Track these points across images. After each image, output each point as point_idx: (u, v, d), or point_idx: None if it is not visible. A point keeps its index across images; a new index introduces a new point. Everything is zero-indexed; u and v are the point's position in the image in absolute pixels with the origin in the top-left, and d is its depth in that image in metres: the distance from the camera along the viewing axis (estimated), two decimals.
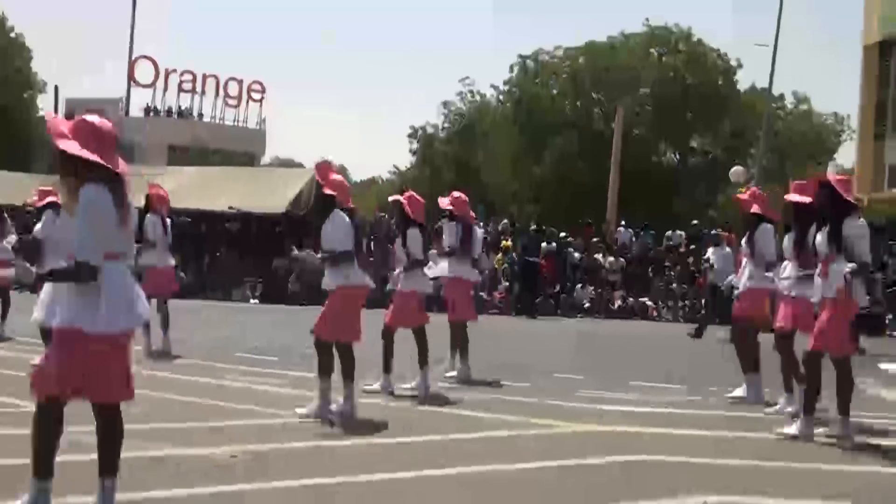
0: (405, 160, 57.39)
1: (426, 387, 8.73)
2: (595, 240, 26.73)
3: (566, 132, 42.07)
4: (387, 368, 8.75)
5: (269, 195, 25.36)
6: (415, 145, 50.07)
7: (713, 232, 17.88)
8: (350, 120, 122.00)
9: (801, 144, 44.27)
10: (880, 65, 35.28)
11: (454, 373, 9.93)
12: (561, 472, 5.95)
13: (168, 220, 11.49)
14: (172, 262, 11.51)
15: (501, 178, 44.07)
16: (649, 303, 24.49)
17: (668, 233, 27.89)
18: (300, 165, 52.35)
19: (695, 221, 30.13)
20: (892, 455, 6.87)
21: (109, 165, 4.42)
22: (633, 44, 44.15)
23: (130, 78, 47.72)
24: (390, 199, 10.36)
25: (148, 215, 11.37)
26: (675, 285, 24.79)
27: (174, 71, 47.04)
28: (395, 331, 8.88)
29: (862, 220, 6.76)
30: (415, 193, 9.32)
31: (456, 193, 10.46)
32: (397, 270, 9.10)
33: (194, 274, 25.70)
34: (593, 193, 36.03)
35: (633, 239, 27.38)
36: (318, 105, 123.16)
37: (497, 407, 8.18)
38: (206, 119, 48.70)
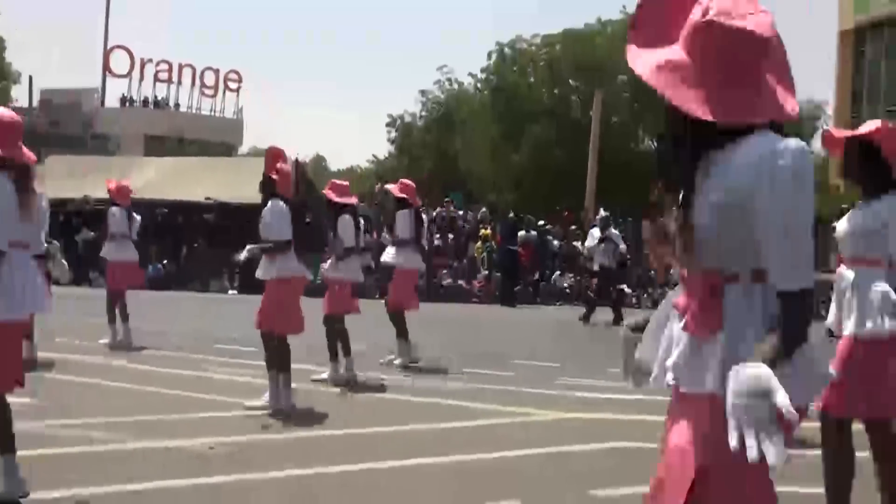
0: (384, 149, 57.34)
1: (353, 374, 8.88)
2: (573, 227, 26.79)
3: (544, 120, 42.08)
4: (343, 354, 8.90)
5: (247, 185, 25.06)
6: (393, 134, 49.99)
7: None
8: (328, 109, 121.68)
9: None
10: (855, 51, 35.51)
11: (397, 359, 10.00)
12: (542, 459, 5.98)
13: (133, 213, 11.32)
14: (135, 255, 11.30)
15: (480, 167, 44.06)
16: (627, 290, 24.59)
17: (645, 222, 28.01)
18: None
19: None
20: None
21: (10, 156, 4.41)
22: (611, 31, 44.21)
23: (105, 68, 47.39)
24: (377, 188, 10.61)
25: (111, 208, 11.29)
26: (652, 273, 24.92)
27: (150, 61, 46.82)
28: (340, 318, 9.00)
29: None
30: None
31: (404, 181, 10.68)
32: (329, 260, 9.13)
33: (172, 265, 25.60)
34: (572, 181, 36.06)
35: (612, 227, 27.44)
36: (294, 94, 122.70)
37: (477, 395, 8.20)
38: (183, 109, 48.50)
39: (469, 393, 8.35)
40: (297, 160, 30.96)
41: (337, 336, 8.91)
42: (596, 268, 17.21)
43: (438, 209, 27.63)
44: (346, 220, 8.99)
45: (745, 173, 2.16)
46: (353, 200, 9.23)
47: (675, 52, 2.23)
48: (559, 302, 23.73)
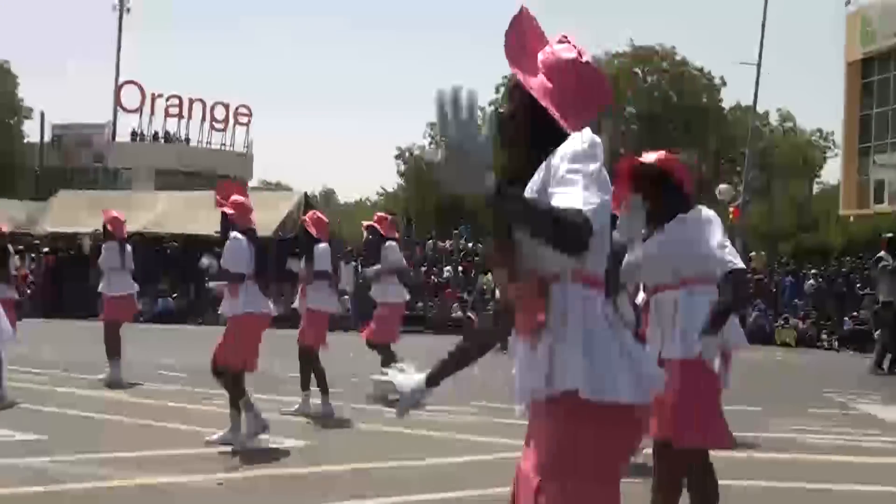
0: (393, 181, 57.41)
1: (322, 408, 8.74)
2: None
3: None
4: (318, 385, 8.82)
5: (257, 219, 25.27)
6: (402, 166, 50.09)
7: None
8: (337, 142, 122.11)
9: (786, 162, 44.48)
10: (862, 82, 35.54)
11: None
12: None
13: (127, 246, 11.25)
14: (131, 288, 11.19)
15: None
16: None
17: None
18: (287, 188, 52.35)
19: None
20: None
21: None
22: (618, 63, 44.38)
23: (117, 103, 47.70)
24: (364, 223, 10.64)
25: (105, 243, 11.20)
26: None
27: (160, 95, 47.08)
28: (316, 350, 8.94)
29: None
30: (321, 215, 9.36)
31: (381, 214, 10.89)
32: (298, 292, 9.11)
33: (183, 299, 25.60)
34: None
35: None
36: (304, 128, 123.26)
37: (485, 430, 8.10)
38: (193, 143, 48.71)
39: (478, 427, 8.25)
40: (305, 194, 31.08)
41: (311, 367, 8.83)
42: None
43: (447, 242, 27.63)
44: (322, 249, 8.95)
45: (541, 171, 2.31)
46: (328, 237, 9.18)
47: (543, 77, 2.41)
48: None
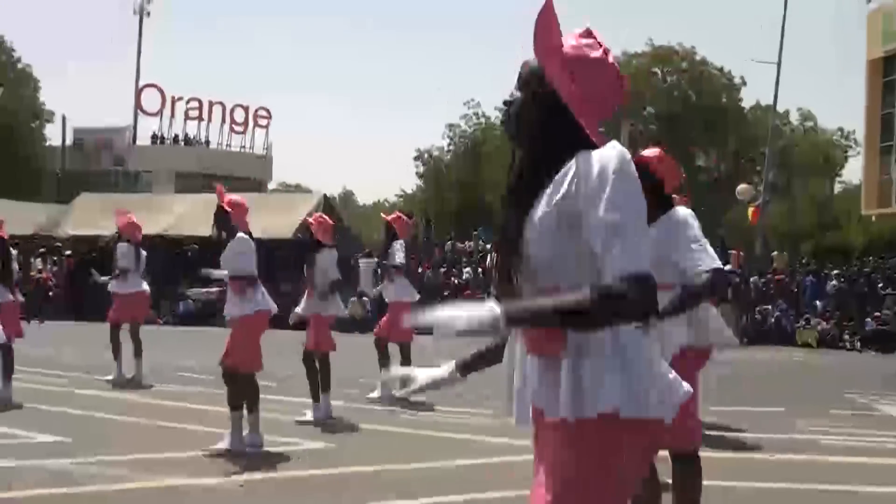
0: (411, 183, 57.48)
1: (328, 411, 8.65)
2: None
3: None
4: (322, 390, 8.69)
5: (277, 221, 25.37)
6: (421, 168, 50.13)
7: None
8: (356, 144, 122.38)
9: (807, 161, 44.22)
10: (884, 80, 35.26)
11: (376, 393, 9.88)
12: None
13: (142, 251, 11.34)
14: (145, 288, 11.32)
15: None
16: None
17: None
18: (307, 190, 52.49)
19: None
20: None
21: None
22: (637, 63, 44.25)
23: (137, 106, 47.96)
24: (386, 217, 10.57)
25: (119, 244, 11.32)
26: None
27: (180, 99, 47.29)
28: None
29: None
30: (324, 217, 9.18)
31: (398, 213, 10.80)
32: (304, 296, 8.95)
33: (203, 301, 25.67)
34: None
35: None
36: (324, 130, 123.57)
37: (500, 431, 8.07)
38: (213, 146, 48.91)
39: (492, 428, 8.23)
40: (325, 195, 31.14)
41: (317, 373, 8.66)
42: None
43: (466, 243, 27.61)
44: (327, 255, 8.80)
45: (570, 181, 2.17)
46: (333, 241, 9.04)
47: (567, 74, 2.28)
48: None
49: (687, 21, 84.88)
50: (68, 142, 48.43)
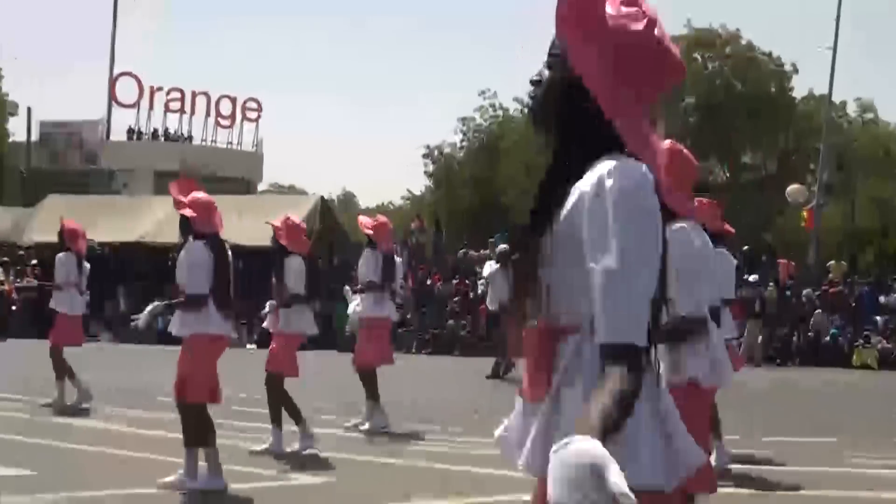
0: (420, 183, 57.52)
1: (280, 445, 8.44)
2: None
3: None
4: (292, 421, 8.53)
5: (268, 226, 25.41)
6: (430, 166, 50.17)
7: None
8: (357, 140, 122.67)
9: (867, 157, 44.11)
10: None
11: (366, 424, 9.78)
12: None
13: (85, 263, 11.21)
14: (81, 308, 11.18)
15: (526, 202, 44.11)
16: None
17: None
18: (302, 192, 52.61)
19: (746, 247, 29.95)
20: None
21: None
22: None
23: (111, 97, 48.13)
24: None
25: (59, 254, 11.17)
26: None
27: (160, 89, 47.41)
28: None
29: None
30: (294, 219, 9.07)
31: (381, 218, 10.65)
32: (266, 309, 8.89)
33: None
34: None
35: None
36: (320, 124, 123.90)
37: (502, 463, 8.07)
38: (197, 142, 49.04)
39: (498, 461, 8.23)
40: (322, 198, 31.21)
41: (280, 399, 8.52)
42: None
43: (481, 251, 27.63)
44: (295, 263, 8.68)
45: (578, 197, 2.04)
46: (304, 248, 8.92)
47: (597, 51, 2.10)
48: None
49: (730, 1, 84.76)
50: (34, 137, 48.64)
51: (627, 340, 1.93)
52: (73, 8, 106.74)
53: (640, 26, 2.07)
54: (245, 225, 25.76)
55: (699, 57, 44.61)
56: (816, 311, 24.44)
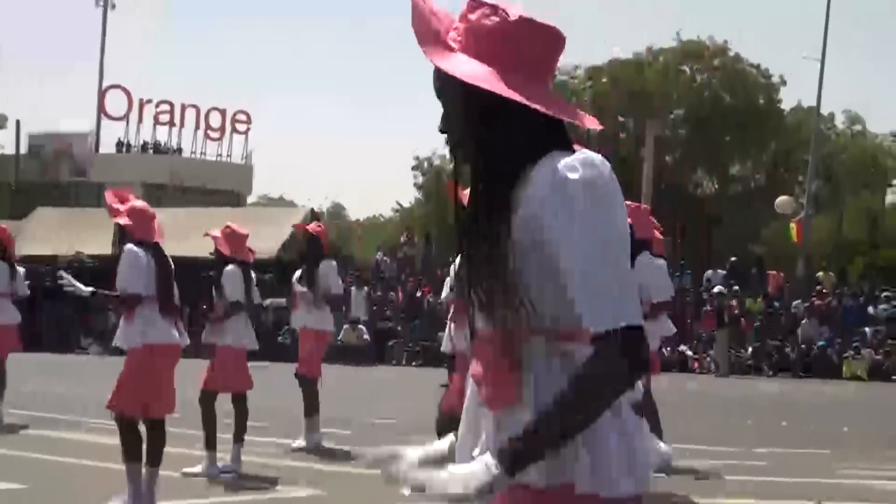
0: (410, 195, 57.55)
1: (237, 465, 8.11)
2: None
3: None
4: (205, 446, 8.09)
5: (258, 238, 25.37)
6: (420, 178, 50.18)
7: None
8: (347, 152, 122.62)
9: (855, 169, 44.30)
10: None
11: (302, 442, 9.42)
12: None
13: (18, 268, 10.99)
14: (14, 317, 10.86)
15: None
16: (689, 353, 24.35)
17: (709, 273, 27.83)
18: (291, 204, 52.59)
19: (734, 258, 30.01)
20: None
21: None
22: (663, 60, 44.39)
23: (101, 110, 48.07)
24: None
25: None
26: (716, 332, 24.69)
27: (149, 101, 47.34)
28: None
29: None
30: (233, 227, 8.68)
31: (318, 225, 10.37)
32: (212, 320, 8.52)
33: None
34: None
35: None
36: (310, 138, 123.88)
37: None
38: (186, 154, 48.98)
39: None
40: (312, 210, 31.24)
41: (212, 418, 8.15)
42: None
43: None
44: (231, 271, 8.29)
45: (534, 198, 1.99)
46: (247, 257, 8.58)
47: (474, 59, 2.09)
48: None
49: (719, 13, 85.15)
50: (23, 149, 48.56)
51: (628, 323, 1.91)
52: (62, 21, 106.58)
53: (497, 19, 2.07)
54: None
55: (688, 69, 44.80)
56: (804, 322, 24.51)
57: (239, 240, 8.47)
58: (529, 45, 2.08)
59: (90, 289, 6.88)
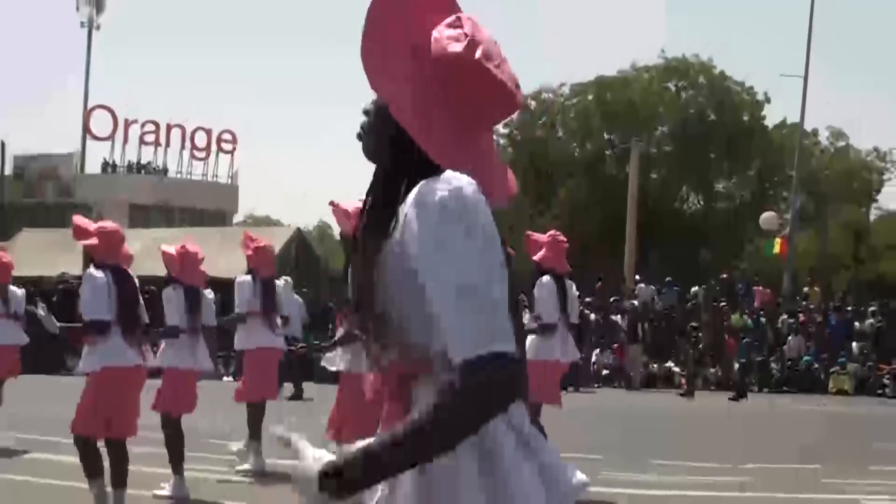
0: None
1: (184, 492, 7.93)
2: (613, 299, 26.70)
3: (575, 178, 42.32)
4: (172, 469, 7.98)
5: (244, 259, 25.35)
6: None
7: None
8: (334, 171, 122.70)
9: (839, 185, 44.48)
10: None
11: (247, 465, 9.14)
12: None
13: (18, 290, 11.12)
14: (14, 338, 11.01)
15: (503, 232, 44.13)
16: (676, 369, 24.36)
17: (695, 289, 27.88)
18: (278, 223, 52.52)
19: (724, 275, 30.06)
20: None
21: None
22: (648, 78, 44.57)
23: (86, 130, 48.02)
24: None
25: None
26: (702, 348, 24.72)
27: (135, 122, 47.34)
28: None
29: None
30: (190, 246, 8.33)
31: (262, 242, 9.96)
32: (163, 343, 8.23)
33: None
34: (606, 245, 36.09)
35: (655, 297, 27.33)
36: (295, 156, 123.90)
37: None
38: (172, 174, 48.94)
39: None
40: (298, 229, 31.19)
41: (178, 439, 8.04)
42: None
43: None
44: (168, 294, 8.03)
45: (402, 224, 1.90)
46: (199, 280, 8.24)
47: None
48: (597, 385, 23.48)
49: (703, 31, 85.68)
50: (7, 171, 48.44)
51: (488, 350, 1.77)
52: (47, 42, 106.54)
53: (458, 48, 1.97)
54: (221, 258, 25.73)
55: (672, 86, 44.99)
56: (790, 338, 24.57)
57: (191, 260, 8.14)
58: (475, 90, 1.98)
59: (57, 326, 6.79)
